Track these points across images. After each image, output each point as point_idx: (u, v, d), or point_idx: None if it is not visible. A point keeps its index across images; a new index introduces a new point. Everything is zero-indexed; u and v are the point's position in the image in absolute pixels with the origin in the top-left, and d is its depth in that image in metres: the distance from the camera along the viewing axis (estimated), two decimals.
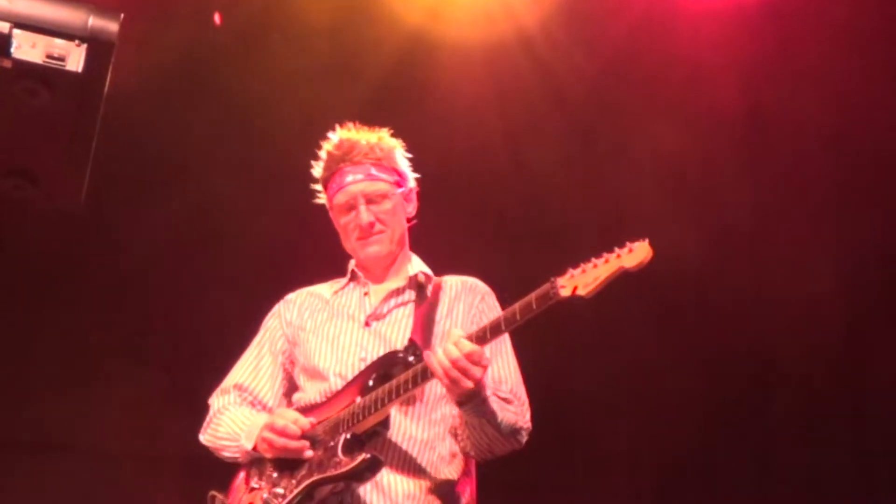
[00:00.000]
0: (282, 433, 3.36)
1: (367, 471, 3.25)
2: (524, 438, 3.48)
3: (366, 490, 3.34)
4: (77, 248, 5.88)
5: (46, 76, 2.62)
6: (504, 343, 3.58)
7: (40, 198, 3.01)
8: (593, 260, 3.18)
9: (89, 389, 5.83)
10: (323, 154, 3.80)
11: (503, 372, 3.54)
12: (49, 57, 2.59)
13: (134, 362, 5.97)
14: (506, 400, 3.41)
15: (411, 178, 3.79)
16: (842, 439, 6.01)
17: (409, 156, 3.82)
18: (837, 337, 6.02)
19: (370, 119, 5.83)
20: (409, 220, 3.78)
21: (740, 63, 5.85)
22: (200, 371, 5.93)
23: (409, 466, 3.41)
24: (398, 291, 3.68)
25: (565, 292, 3.14)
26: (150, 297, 6.07)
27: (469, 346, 3.16)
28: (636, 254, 3.14)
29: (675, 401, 6.07)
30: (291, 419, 3.40)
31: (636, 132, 6.01)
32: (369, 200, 3.66)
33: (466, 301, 3.63)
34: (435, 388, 3.46)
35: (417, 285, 3.67)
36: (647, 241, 3.15)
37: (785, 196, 6.01)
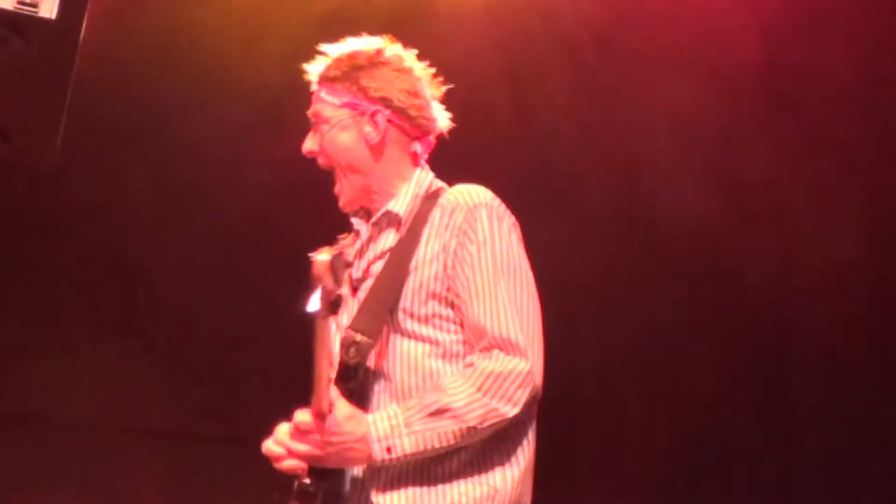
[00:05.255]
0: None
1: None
2: (500, 412, 3.06)
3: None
4: (50, 207, 5.93)
5: (18, 23, 2.63)
6: (486, 275, 3.17)
7: (11, 153, 3.04)
8: None
9: (64, 357, 5.89)
10: None
11: (483, 317, 3.13)
12: (21, 3, 2.60)
13: (111, 329, 6.02)
14: (435, 413, 3.06)
15: (385, 98, 3.39)
16: (867, 411, 6.02)
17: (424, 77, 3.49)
18: (863, 303, 6.04)
19: None
20: (377, 146, 3.38)
21: (758, 10, 5.85)
22: (181, 338, 6.04)
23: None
24: (371, 239, 3.40)
25: None
26: (127, 259, 6.12)
27: (296, 422, 3.05)
28: None
29: (690, 371, 6.11)
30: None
31: (648, 84, 6.03)
32: (315, 127, 3.45)
33: (443, 238, 3.22)
34: (395, 368, 3.24)
35: (386, 226, 3.37)
36: None
37: (807, 153, 6.01)
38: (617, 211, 6.25)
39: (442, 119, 3.51)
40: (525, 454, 3.22)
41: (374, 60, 3.41)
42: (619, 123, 6.14)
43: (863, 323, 6.04)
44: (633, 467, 6.26)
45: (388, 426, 3.04)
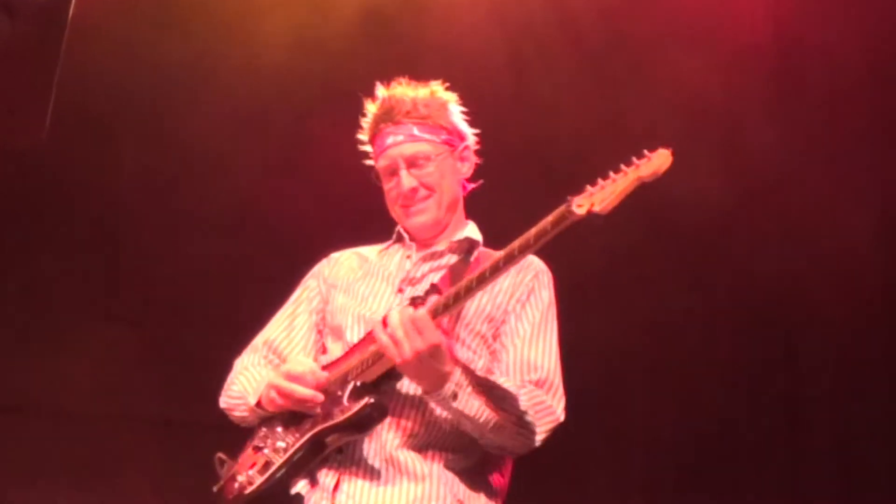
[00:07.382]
0: (296, 379, 3.45)
1: (374, 413, 3.35)
2: (533, 436, 3.48)
3: (371, 457, 3.43)
4: (39, 190, 5.94)
5: (6, 2, 2.64)
6: (547, 327, 3.63)
7: None
8: (611, 175, 3.22)
9: (54, 346, 5.91)
10: (367, 114, 3.82)
11: (539, 358, 3.57)
12: None
13: (102, 316, 6.04)
14: (497, 396, 3.42)
15: (467, 134, 3.82)
16: (879, 407, 6.01)
17: (464, 109, 3.84)
18: (875, 290, 6.03)
19: (361, 47, 5.92)
20: (466, 182, 3.82)
21: None
22: (174, 325, 6.06)
23: (423, 427, 3.47)
24: (435, 255, 3.73)
25: (581, 211, 3.20)
26: (119, 244, 6.14)
27: (418, 313, 3.30)
28: (653, 162, 3.19)
29: (696, 360, 6.11)
30: (308, 368, 3.49)
31: (654, 64, 6.01)
32: (411, 164, 3.66)
33: (515, 278, 3.63)
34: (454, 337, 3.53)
35: (460, 250, 3.72)
36: (668, 150, 3.20)
37: (816, 134, 5.99)
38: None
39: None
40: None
41: (448, 100, 3.79)
42: (623, 104, 6.13)
43: (875, 313, 6.02)
44: (638, 462, 6.27)
45: (466, 381, 3.35)
